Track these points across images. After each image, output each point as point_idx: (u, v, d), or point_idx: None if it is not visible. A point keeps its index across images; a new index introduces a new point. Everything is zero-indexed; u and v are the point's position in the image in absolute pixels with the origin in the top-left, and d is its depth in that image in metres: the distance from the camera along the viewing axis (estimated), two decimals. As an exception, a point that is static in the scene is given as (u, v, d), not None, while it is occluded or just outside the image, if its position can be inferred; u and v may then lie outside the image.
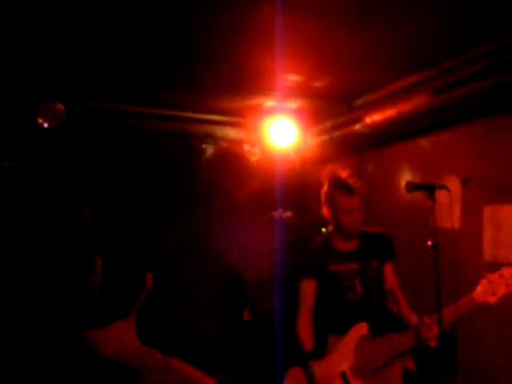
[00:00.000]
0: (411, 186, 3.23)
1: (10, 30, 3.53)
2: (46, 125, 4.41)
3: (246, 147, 5.64)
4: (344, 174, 3.48)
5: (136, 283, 1.14)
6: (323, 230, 5.05)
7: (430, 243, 3.00)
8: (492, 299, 3.07)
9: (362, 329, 3.35)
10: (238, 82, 4.60)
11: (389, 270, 3.52)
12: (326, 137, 5.33)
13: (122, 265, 1.10)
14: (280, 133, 5.20)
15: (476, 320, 3.54)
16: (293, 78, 4.49)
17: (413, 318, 3.29)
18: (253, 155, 5.64)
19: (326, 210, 3.55)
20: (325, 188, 3.55)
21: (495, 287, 3.08)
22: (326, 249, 3.54)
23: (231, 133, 5.60)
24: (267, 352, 4.29)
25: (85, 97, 4.80)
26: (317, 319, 3.54)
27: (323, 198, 3.56)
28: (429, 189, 3.19)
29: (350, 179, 3.45)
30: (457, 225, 4.21)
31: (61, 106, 4.43)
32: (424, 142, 4.79)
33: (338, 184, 3.45)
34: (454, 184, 4.15)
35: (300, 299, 3.56)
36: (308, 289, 3.53)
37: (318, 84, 4.67)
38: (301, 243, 5.06)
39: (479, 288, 3.11)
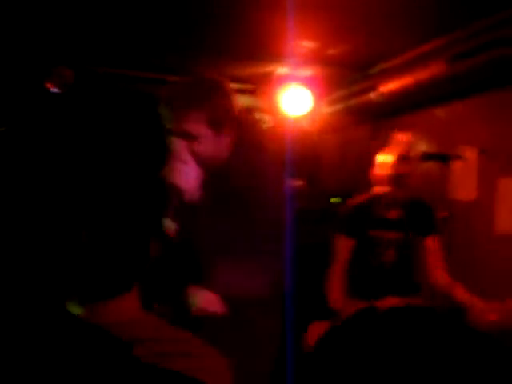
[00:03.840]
0: (425, 156, 3.16)
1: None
2: (54, 90, 4.37)
3: (258, 115, 5.56)
4: (403, 138, 3.36)
5: (138, 253, 1.08)
6: (332, 200, 4.99)
7: (443, 214, 2.94)
8: None
9: (392, 303, 3.12)
10: (250, 48, 4.51)
11: (431, 244, 3.37)
12: (339, 106, 5.24)
13: (121, 233, 1.04)
14: (293, 101, 5.12)
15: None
16: (307, 45, 4.39)
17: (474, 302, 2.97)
18: (264, 123, 5.57)
19: (379, 175, 3.41)
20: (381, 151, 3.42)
21: None
22: (368, 211, 3.41)
23: (243, 100, 5.50)
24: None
25: (94, 62, 4.74)
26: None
27: (376, 161, 3.42)
28: (444, 158, 3.13)
29: (407, 145, 3.33)
30: (472, 196, 4.13)
31: (69, 71, 4.38)
32: (440, 112, 4.69)
33: (393, 149, 3.34)
34: (470, 154, 4.06)
35: (334, 257, 3.43)
36: (345, 248, 3.41)
37: (332, 51, 4.57)
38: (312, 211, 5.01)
39: None
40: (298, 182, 5.28)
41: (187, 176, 2.17)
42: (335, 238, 3.46)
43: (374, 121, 5.45)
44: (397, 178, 3.28)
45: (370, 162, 3.55)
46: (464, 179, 3.47)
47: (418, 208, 3.44)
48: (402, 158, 3.29)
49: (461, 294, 3.04)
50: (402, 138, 3.34)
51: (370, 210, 3.41)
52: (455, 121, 4.52)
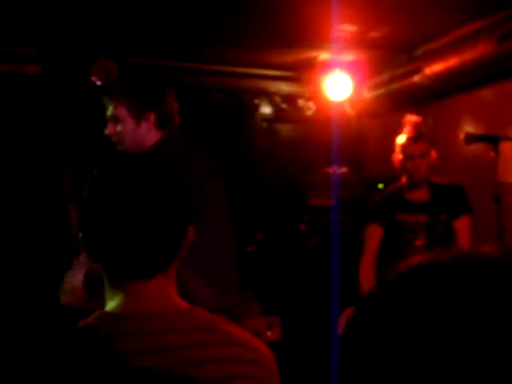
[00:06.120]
0: (471, 138, 3.09)
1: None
2: (98, 82, 4.41)
3: (301, 102, 5.52)
4: (412, 119, 3.42)
5: (175, 235, 1.09)
6: (380, 186, 4.92)
7: (492, 195, 2.87)
8: None
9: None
10: (291, 35, 4.47)
11: (462, 225, 3.38)
12: (383, 90, 5.15)
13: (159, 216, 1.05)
14: (335, 86, 5.06)
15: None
16: (348, 29, 4.32)
17: None
18: (308, 110, 5.52)
19: (396, 159, 3.47)
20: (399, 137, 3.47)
21: None
22: (396, 198, 3.49)
23: (285, 87, 5.48)
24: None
25: (137, 54, 4.77)
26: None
27: (396, 147, 3.46)
28: (492, 140, 3.04)
29: (417, 125, 3.37)
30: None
31: (112, 63, 4.42)
32: (487, 93, 4.56)
33: (406, 131, 3.40)
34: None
35: (365, 244, 3.53)
36: (374, 234, 3.50)
37: (374, 34, 4.49)
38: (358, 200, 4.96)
39: None
40: (342, 169, 5.22)
41: None
42: (366, 226, 3.54)
43: (419, 104, 5.34)
44: (408, 160, 3.30)
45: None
46: (514, 161, 3.38)
47: (446, 189, 3.44)
48: (412, 140, 3.30)
49: None
50: (411, 119, 3.39)
51: (397, 197, 3.47)
52: (503, 102, 4.38)
